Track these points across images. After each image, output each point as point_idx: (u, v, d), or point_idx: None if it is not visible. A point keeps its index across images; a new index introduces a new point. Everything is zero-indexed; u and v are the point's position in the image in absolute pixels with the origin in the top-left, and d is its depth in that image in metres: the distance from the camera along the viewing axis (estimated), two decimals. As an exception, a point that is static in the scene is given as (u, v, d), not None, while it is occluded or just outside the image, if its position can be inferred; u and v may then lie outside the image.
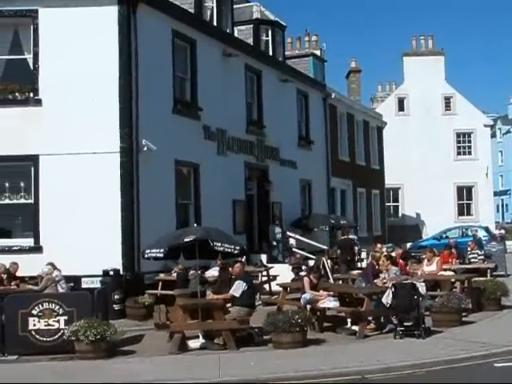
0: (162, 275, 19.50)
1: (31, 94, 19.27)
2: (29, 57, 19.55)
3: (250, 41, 28.83)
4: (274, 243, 26.16)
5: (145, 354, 13.98)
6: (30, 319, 14.11)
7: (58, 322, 14.15)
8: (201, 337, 14.73)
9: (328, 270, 21.82)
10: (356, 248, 26.50)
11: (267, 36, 29.89)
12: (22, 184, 19.45)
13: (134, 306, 17.96)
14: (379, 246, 25.82)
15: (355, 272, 22.05)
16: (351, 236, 27.01)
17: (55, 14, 19.24)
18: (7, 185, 19.45)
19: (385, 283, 16.35)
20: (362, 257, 27.27)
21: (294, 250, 25.63)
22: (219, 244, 14.77)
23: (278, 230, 26.37)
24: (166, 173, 20.88)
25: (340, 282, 21.35)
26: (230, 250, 14.97)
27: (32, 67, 19.42)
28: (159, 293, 18.87)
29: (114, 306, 17.68)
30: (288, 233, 26.59)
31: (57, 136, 19.01)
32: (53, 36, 19.22)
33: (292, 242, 26.30)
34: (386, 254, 20.21)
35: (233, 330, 14.30)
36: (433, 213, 45.29)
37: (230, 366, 12.61)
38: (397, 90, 51.60)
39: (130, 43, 19.40)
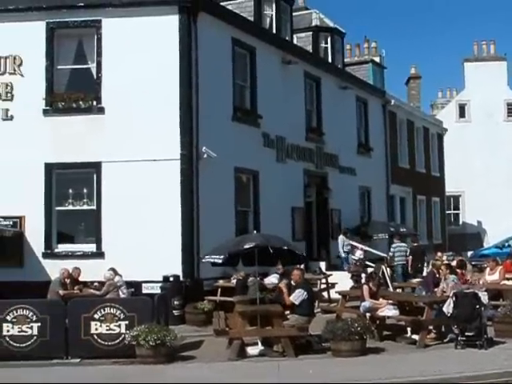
0: (221, 282, 19.61)
1: (94, 103, 19.65)
2: (92, 66, 19.94)
3: (309, 48, 28.88)
4: (343, 255, 25.72)
5: (204, 360, 14.04)
6: (93, 323, 14.33)
7: (119, 326, 14.32)
8: (259, 343, 14.74)
9: (387, 278, 21.65)
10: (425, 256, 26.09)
11: (326, 43, 29.87)
12: (85, 190, 19.81)
13: (193, 312, 18.08)
14: (439, 254, 25.45)
15: (415, 280, 21.80)
16: (402, 244, 26.47)
17: (118, 24, 19.58)
18: (71, 191, 19.83)
19: (444, 292, 16.13)
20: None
21: (362, 262, 24.96)
22: (281, 245, 14.96)
23: (347, 241, 25.92)
24: (226, 180, 21.02)
25: (399, 290, 21.17)
26: (294, 251, 15.18)
27: (95, 76, 19.80)
28: (218, 299, 18.97)
29: (174, 311, 17.83)
30: (352, 242, 26.25)
31: (119, 143, 19.34)
32: (115, 45, 19.58)
33: (358, 253, 25.78)
34: (445, 262, 19.92)
35: (292, 338, 14.27)
36: (495, 221, 44.33)
37: (288, 374, 12.61)
38: (457, 96, 50.80)
39: (191, 52, 19.60)
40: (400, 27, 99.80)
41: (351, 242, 26.17)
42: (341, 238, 26.04)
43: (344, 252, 25.66)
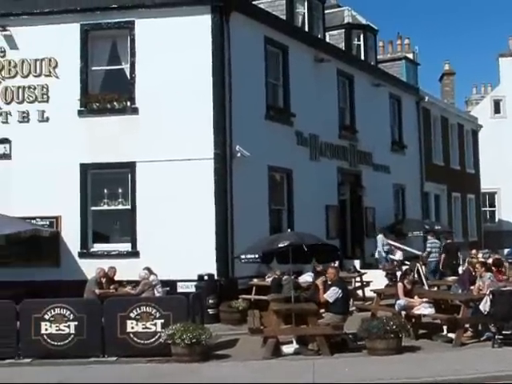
0: (255, 280, 19.65)
1: (128, 103, 19.77)
2: (126, 67, 20.07)
3: (342, 45, 28.80)
4: (384, 255, 25.15)
5: (239, 359, 14.07)
6: (129, 322, 14.45)
7: (155, 325, 14.42)
8: (294, 342, 14.74)
9: (422, 275, 21.51)
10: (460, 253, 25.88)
11: (359, 40, 29.77)
12: (120, 190, 19.95)
13: (228, 311, 18.12)
14: (474, 251, 25.21)
15: (451, 278, 21.63)
16: (436, 240, 26.22)
17: (151, 25, 19.69)
18: (106, 191, 19.99)
19: (480, 290, 15.98)
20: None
21: (399, 262, 24.48)
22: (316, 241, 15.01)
23: (385, 241, 25.37)
24: (259, 179, 21.04)
25: (435, 288, 21.02)
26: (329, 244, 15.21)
27: (129, 77, 19.94)
28: (253, 298, 19.01)
29: (209, 310, 17.89)
30: (391, 242, 25.86)
31: (153, 143, 19.44)
32: (148, 46, 19.70)
33: (399, 254, 25.46)
34: (480, 260, 19.73)
35: (327, 336, 14.26)
36: (532, 218, 43.86)
37: (324, 372, 12.58)
38: (492, 92, 50.20)
39: (223, 51, 19.63)
40: (433, 23, 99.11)
41: (390, 241, 25.87)
42: (380, 237, 25.53)
43: (384, 252, 25.34)
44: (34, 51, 19.98)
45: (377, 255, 25.36)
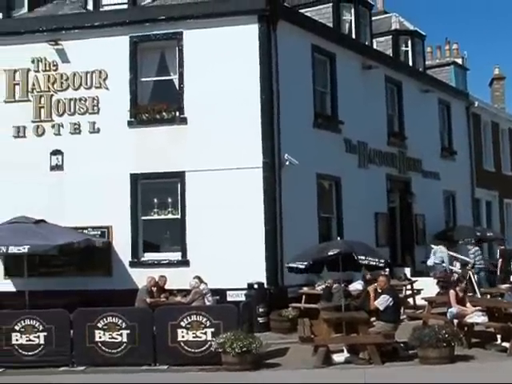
0: (305, 289, 19.60)
1: (177, 113, 19.94)
2: (174, 77, 20.27)
3: (390, 52, 28.64)
4: (448, 270, 23.76)
5: (290, 367, 14.06)
6: (179, 331, 14.56)
7: (206, 334, 14.50)
8: (345, 351, 14.67)
9: (474, 283, 21.20)
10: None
11: (407, 46, 29.58)
12: (170, 200, 20.10)
13: (278, 319, 18.09)
14: (525, 259, 24.78)
15: (504, 286, 21.29)
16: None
17: (198, 35, 19.84)
18: (156, 201, 20.17)
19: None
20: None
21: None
22: (363, 257, 14.74)
23: (445, 251, 24.12)
24: (308, 186, 21.00)
25: (488, 296, 20.71)
26: (374, 263, 14.90)
27: (177, 87, 20.12)
28: (303, 306, 18.95)
29: (259, 318, 17.87)
30: (452, 253, 24.88)
31: (201, 152, 19.56)
32: (196, 56, 19.85)
33: (458, 265, 24.77)
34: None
35: (378, 345, 14.15)
36: None
37: (375, 381, 12.51)
38: (544, 96, 49.35)
39: (271, 60, 19.67)
40: (482, 28, 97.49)
41: (451, 253, 25.21)
42: (443, 251, 24.20)
43: (448, 266, 24.20)
44: (85, 64, 20.32)
45: (430, 263, 24.58)
